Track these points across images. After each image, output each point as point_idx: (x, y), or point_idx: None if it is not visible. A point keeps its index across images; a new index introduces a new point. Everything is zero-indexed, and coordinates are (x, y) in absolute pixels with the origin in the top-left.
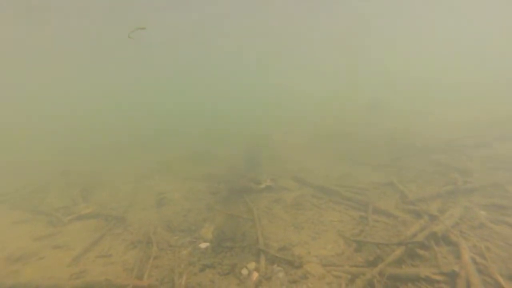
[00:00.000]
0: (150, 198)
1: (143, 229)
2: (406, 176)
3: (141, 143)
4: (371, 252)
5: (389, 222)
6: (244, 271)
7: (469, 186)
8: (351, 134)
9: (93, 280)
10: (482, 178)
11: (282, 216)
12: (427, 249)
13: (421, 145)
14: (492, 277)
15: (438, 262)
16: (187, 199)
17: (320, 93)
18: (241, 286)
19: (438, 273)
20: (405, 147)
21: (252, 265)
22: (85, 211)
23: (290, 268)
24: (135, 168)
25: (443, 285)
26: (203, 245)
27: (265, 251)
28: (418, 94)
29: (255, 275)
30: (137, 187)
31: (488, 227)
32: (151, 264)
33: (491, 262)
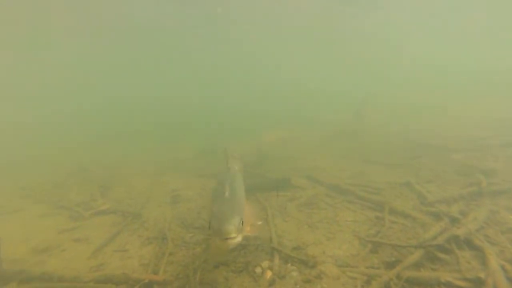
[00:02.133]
0: (164, 195)
1: (158, 226)
2: (424, 176)
3: (156, 138)
4: (388, 254)
5: (407, 223)
6: (258, 270)
7: (495, 188)
8: (364, 132)
9: (111, 273)
10: (510, 179)
11: (296, 215)
12: (449, 253)
13: (439, 143)
14: None
15: (461, 267)
16: (200, 196)
17: (333, 90)
18: (255, 284)
19: (461, 279)
20: (421, 145)
21: (265, 263)
22: (103, 206)
23: (304, 267)
24: (150, 165)
25: None
26: None
27: (278, 250)
28: (434, 87)
29: (269, 273)
30: (152, 184)
31: None
32: (166, 260)
33: None
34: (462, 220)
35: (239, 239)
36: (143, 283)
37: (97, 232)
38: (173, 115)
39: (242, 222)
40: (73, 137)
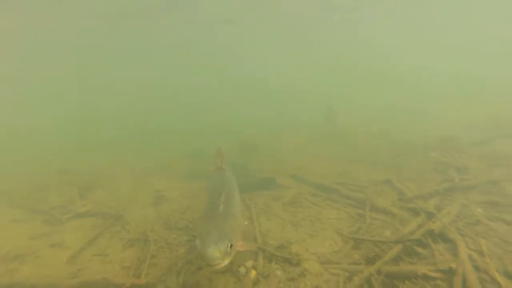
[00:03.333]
0: (147, 196)
1: (140, 227)
2: (404, 174)
3: (139, 140)
4: (369, 250)
5: (387, 219)
6: (242, 269)
7: (466, 184)
8: (348, 132)
9: (90, 279)
10: (479, 175)
11: (280, 214)
12: (425, 247)
13: (419, 143)
14: (488, 273)
15: (436, 259)
16: (184, 197)
17: (318, 91)
18: (239, 284)
19: (435, 270)
20: (403, 145)
21: (250, 263)
22: (82, 209)
23: (288, 266)
24: (132, 167)
25: (440, 282)
26: None
27: (263, 249)
28: (412, 90)
29: (253, 273)
30: (134, 186)
31: (484, 224)
32: (148, 263)
33: (487, 259)
34: (437, 214)
35: (225, 263)
36: (124, 287)
37: (75, 236)
38: (160, 117)
39: (231, 245)
40: (56, 141)
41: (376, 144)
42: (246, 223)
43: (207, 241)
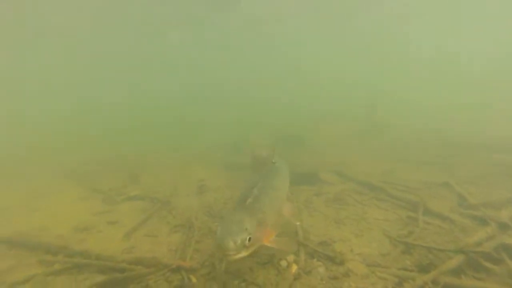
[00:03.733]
0: (191, 184)
1: (185, 214)
2: (462, 176)
3: (183, 129)
4: (422, 257)
5: (444, 226)
6: (283, 263)
7: None
8: (394, 128)
9: (143, 256)
10: None
11: (323, 211)
12: (497, 263)
13: (477, 142)
14: None
15: None
16: (227, 187)
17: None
18: (279, 277)
19: None
20: (456, 143)
21: (291, 257)
22: (133, 193)
23: (331, 264)
24: (177, 155)
25: None
26: None
27: (304, 244)
28: (467, 85)
29: (294, 267)
30: (179, 173)
31: None
32: (193, 248)
33: None
34: None
35: (241, 255)
36: (171, 268)
37: (128, 216)
38: (194, 109)
39: (249, 238)
40: (103, 129)
41: (426, 142)
42: (298, 223)
43: (223, 232)
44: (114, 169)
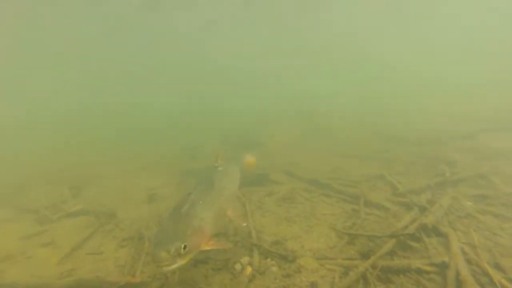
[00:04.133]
0: (140, 194)
1: (134, 225)
2: (396, 169)
3: (129, 139)
4: (363, 245)
5: (381, 214)
6: (238, 266)
7: (457, 177)
8: (339, 128)
9: (84, 278)
10: (469, 169)
11: (275, 210)
12: (418, 241)
13: (409, 137)
14: (480, 266)
15: (429, 253)
16: (178, 193)
17: (307, 89)
18: (235, 281)
19: (429, 264)
20: (393, 139)
21: (245, 259)
22: (74, 208)
23: (284, 262)
24: (124, 165)
25: (433, 275)
26: None
27: (258, 246)
28: (401, 88)
29: (249, 269)
30: (126, 184)
31: (474, 217)
32: (143, 261)
33: (479, 251)
34: (429, 208)
35: (177, 265)
36: (119, 285)
37: (67, 236)
38: (154, 118)
39: (185, 246)
40: (47, 139)
41: (367, 139)
42: (244, 224)
43: (157, 242)
44: (52, 183)
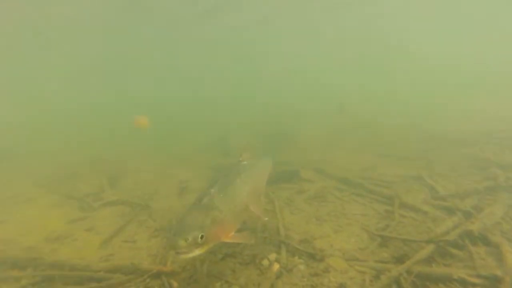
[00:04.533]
0: (172, 186)
1: (166, 217)
2: (436, 170)
3: (165, 132)
4: (398, 249)
5: (418, 218)
6: (265, 262)
7: None
8: (372, 126)
9: (120, 264)
10: None
11: (304, 208)
12: (462, 249)
13: (452, 137)
14: None
15: (475, 263)
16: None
17: (338, 83)
18: (262, 276)
19: (475, 276)
20: (432, 139)
21: (273, 256)
22: (111, 198)
23: (312, 261)
24: (158, 158)
25: None
26: None
27: (286, 243)
28: (436, 85)
29: (276, 266)
30: (160, 176)
31: None
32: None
33: None
34: (476, 215)
35: (194, 253)
36: (151, 273)
37: (106, 223)
38: (180, 112)
39: (202, 236)
40: (82, 132)
41: (403, 138)
42: (266, 218)
43: (175, 231)
44: (93, 174)
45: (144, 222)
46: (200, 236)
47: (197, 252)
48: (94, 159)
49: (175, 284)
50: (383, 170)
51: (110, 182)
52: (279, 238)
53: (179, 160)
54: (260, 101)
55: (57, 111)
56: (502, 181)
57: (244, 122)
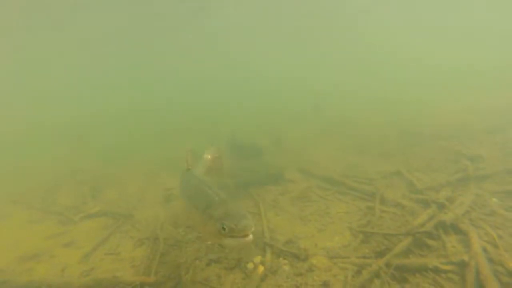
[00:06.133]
0: (157, 194)
1: (150, 226)
2: (414, 165)
3: (148, 140)
4: (379, 243)
5: (397, 212)
6: (250, 265)
7: (481, 173)
8: (354, 124)
9: (101, 277)
10: (494, 164)
11: (289, 209)
12: (436, 239)
13: (427, 132)
14: (503, 266)
15: (447, 251)
16: None
17: (319, 82)
18: (247, 280)
19: (446, 263)
20: (411, 135)
21: (257, 259)
22: (93, 209)
23: (296, 261)
24: (142, 166)
25: (451, 275)
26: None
27: (270, 245)
28: (413, 81)
29: (261, 268)
30: (144, 185)
31: (500, 215)
32: (158, 261)
33: (503, 250)
34: (448, 205)
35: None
36: (134, 285)
37: (87, 236)
38: (163, 117)
39: None
40: (63, 143)
41: (381, 134)
42: None
43: (239, 215)
44: (73, 186)
45: (128, 233)
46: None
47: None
48: (75, 170)
49: None
50: (365, 167)
51: (93, 193)
52: (264, 240)
53: (165, 167)
54: (245, 105)
55: (33, 124)
56: (471, 172)
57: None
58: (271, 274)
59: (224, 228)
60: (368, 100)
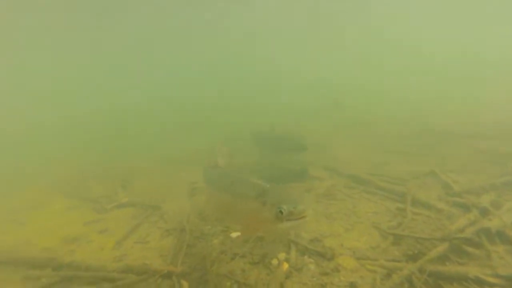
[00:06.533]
0: (183, 187)
1: (177, 218)
2: (449, 165)
3: (178, 132)
4: (410, 247)
5: (431, 215)
6: (274, 261)
7: None
8: (377, 122)
9: (133, 264)
10: None
11: (314, 207)
12: (478, 247)
13: (462, 130)
14: None
15: (493, 262)
16: None
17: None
18: (271, 276)
19: (492, 275)
20: (442, 133)
21: (282, 255)
22: (124, 199)
23: (322, 260)
24: (169, 159)
25: None
26: (234, 235)
27: (295, 242)
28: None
29: (285, 265)
30: (171, 177)
31: None
32: (184, 252)
33: None
34: (494, 211)
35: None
36: (162, 274)
37: (118, 224)
38: (184, 111)
39: None
40: (92, 136)
41: (407, 133)
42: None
43: (293, 198)
44: (105, 177)
45: (156, 223)
46: None
47: None
48: (107, 163)
49: (185, 284)
50: (393, 166)
51: (123, 184)
52: (289, 237)
53: (190, 161)
54: (259, 101)
55: (63, 117)
56: None
57: (244, 122)
58: (296, 271)
59: (281, 212)
60: (391, 97)
